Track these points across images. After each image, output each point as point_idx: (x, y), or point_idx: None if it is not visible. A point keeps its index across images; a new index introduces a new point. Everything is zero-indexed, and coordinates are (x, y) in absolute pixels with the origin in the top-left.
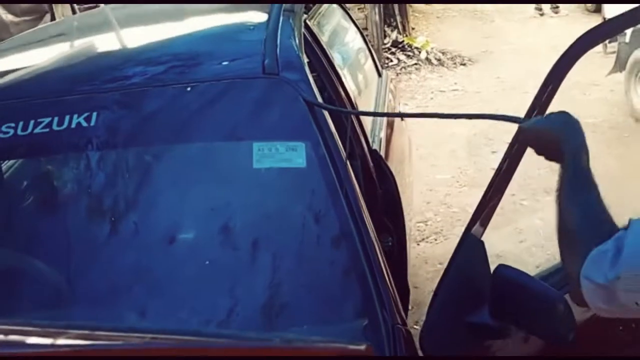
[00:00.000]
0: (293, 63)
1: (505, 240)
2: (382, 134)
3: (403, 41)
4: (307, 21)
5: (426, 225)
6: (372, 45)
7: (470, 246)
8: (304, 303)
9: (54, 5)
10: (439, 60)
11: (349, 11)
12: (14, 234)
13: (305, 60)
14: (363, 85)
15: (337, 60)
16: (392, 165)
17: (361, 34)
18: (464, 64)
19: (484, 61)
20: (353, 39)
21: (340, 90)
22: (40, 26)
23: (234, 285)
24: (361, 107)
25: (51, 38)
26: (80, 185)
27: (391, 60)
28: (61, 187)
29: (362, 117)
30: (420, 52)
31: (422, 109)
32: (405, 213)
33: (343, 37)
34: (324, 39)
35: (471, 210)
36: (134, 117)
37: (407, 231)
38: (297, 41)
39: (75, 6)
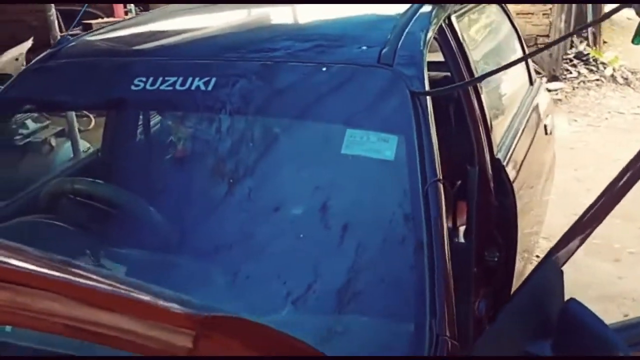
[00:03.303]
0: (411, 57)
1: None
2: (514, 144)
3: (589, 54)
4: (454, 18)
5: None
6: (550, 55)
7: (547, 273)
8: (367, 294)
9: None
10: (625, 79)
11: (509, 13)
12: (130, 177)
13: (434, 59)
14: (504, 90)
15: (479, 62)
16: (524, 178)
17: (519, 37)
18: None
19: None
20: (506, 42)
21: (472, 92)
22: None
23: (315, 264)
24: (497, 112)
25: (203, 8)
26: (191, 142)
27: (570, 72)
28: (176, 141)
29: (494, 126)
30: (605, 68)
31: (593, 128)
32: (525, 231)
33: (493, 38)
34: (468, 39)
35: (618, 246)
36: (247, 87)
37: (519, 249)
38: (426, 36)
39: None
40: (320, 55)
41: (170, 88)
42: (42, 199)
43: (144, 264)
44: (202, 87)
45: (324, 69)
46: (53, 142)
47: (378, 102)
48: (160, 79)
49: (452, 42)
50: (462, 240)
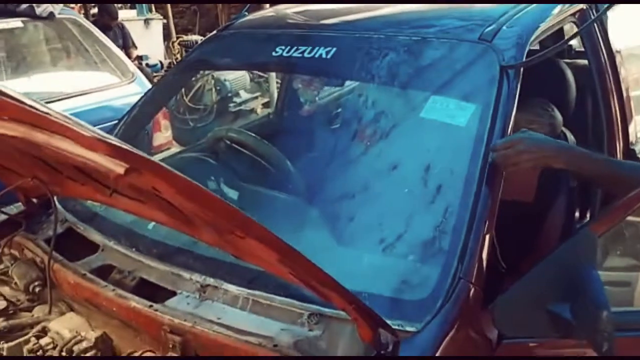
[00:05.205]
0: (517, 35)
1: None
2: None
3: None
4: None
5: None
6: None
7: (582, 239)
8: (414, 238)
9: None
10: None
11: None
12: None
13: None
14: None
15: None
16: None
17: None
18: None
19: None
20: None
21: (609, 75)
22: None
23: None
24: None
25: None
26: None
27: None
28: (302, 102)
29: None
30: None
31: None
32: None
33: None
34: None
35: None
36: (358, 57)
37: None
38: (548, 17)
39: None
40: (430, 32)
41: (300, 55)
42: (208, 141)
43: (267, 201)
44: (324, 56)
45: (430, 43)
46: (259, 111)
47: (469, 74)
48: (295, 47)
49: (595, 29)
50: None
